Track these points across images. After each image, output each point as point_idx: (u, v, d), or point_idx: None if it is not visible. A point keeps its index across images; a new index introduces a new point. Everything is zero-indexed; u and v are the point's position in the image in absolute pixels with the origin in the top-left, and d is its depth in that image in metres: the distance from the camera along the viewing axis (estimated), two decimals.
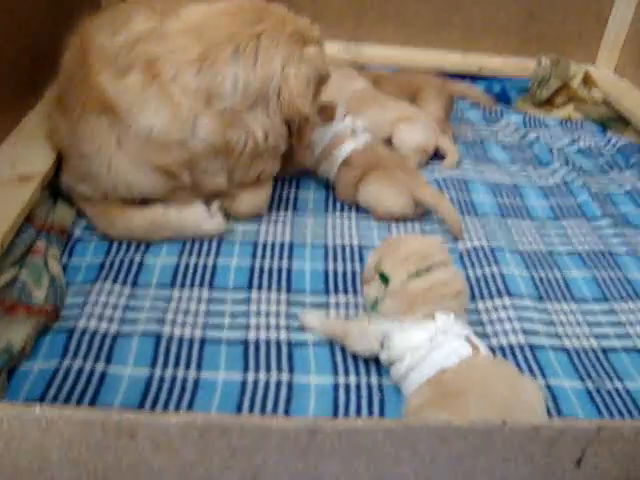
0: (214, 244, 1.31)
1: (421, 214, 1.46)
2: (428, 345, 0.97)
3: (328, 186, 1.55)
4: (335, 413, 0.97)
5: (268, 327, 1.11)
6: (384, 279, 1.05)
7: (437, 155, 1.71)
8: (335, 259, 1.30)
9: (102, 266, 1.21)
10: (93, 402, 0.95)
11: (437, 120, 1.73)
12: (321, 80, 1.31)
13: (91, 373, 0.99)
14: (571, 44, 2.21)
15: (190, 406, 0.96)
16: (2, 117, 1.34)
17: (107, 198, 1.25)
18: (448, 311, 1.00)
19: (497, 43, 2.20)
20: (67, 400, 0.94)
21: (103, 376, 0.99)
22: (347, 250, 1.34)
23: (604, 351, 1.13)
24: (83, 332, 1.05)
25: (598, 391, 1.05)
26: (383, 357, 1.03)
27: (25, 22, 1.40)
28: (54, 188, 1.34)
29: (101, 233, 1.29)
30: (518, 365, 1.07)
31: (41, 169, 1.29)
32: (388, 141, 1.65)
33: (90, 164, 1.21)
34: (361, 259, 1.31)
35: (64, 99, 1.26)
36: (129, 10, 1.24)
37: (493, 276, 1.28)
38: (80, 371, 0.99)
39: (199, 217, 1.31)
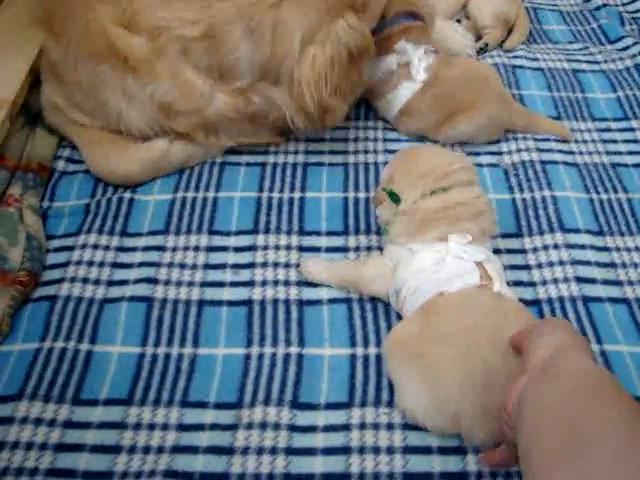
0: (215, 169, 1.13)
1: None
2: (433, 268, 0.82)
3: None
4: (351, 394, 0.85)
5: (276, 282, 0.96)
6: (394, 198, 0.89)
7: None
8: (357, 183, 1.11)
9: (87, 209, 1.06)
10: (79, 387, 0.85)
11: None
12: (360, 54, 1.00)
13: (75, 354, 0.88)
14: None
15: (186, 391, 0.85)
16: None
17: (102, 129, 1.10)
18: (466, 234, 0.84)
19: None
20: (51, 385, 0.85)
21: (89, 357, 0.88)
22: (371, 170, 1.14)
23: None
24: (66, 300, 0.93)
25: None
26: (391, 292, 0.89)
27: None
28: (30, 110, 1.16)
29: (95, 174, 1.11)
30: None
31: (10, 93, 1.10)
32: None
33: (96, 106, 1.06)
34: None
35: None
36: None
37: (544, 201, 1.07)
38: (63, 352, 0.88)
39: None
